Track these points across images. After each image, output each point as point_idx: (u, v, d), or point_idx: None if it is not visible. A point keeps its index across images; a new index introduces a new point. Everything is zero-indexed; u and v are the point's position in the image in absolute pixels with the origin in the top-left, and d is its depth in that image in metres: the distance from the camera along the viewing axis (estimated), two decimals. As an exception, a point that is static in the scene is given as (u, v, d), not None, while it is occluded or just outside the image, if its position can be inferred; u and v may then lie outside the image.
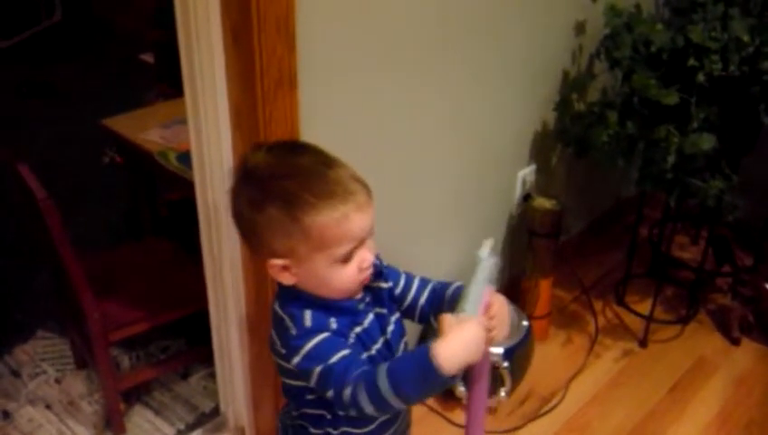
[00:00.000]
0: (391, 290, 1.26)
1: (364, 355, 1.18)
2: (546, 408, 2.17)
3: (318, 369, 1.10)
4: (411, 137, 1.88)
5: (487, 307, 1.10)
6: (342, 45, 1.61)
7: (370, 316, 1.21)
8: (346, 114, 1.70)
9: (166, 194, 2.68)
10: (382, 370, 1.06)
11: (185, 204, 2.66)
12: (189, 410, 2.19)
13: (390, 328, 1.24)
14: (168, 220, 2.66)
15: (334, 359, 1.10)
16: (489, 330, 1.09)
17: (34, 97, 4.13)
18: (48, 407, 2.18)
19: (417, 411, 2.10)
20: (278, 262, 1.12)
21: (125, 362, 2.31)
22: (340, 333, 1.14)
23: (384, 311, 1.23)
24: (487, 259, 1.13)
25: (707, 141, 1.82)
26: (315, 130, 1.62)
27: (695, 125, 1.84)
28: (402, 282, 1.27)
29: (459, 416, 2.11)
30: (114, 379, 2.06)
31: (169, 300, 2.09)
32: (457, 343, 1.03)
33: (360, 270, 1.14)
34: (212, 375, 2.23)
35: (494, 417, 2.10)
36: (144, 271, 2.19)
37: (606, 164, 2.00)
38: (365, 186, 1.12)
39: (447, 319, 1.06)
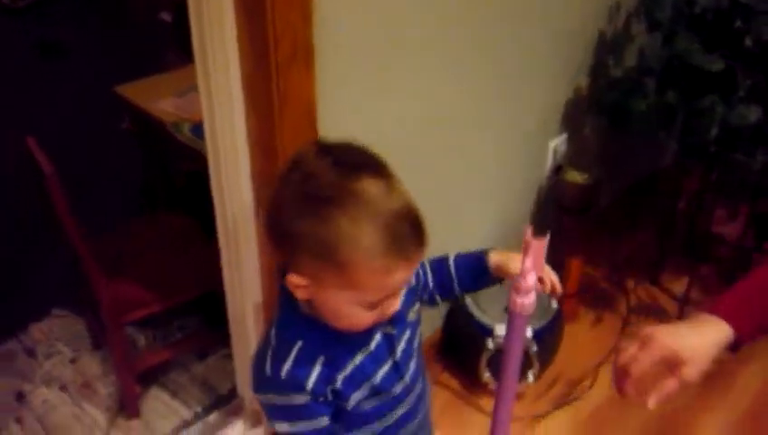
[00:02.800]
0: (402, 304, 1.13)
1: (364, 388, 1.09)
2: (575, 393, 2.08)
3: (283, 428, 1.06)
4: (436, 109, 1.77)
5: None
6: (361, 18, 1.49)
7: (377, 337, 1.10)
8: (365, 91, 1.59)
9: (183, 164, 2.59)
10: None
11: (197, 176, 2.60)
12: (207, 391, 2.13)
13: (400, 347, 1.13)
14: (185, 191, 2.58)
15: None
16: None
17: (49, 58, 4.02)
18: (62, 388, 2.14)
19: (441, 399, 2.02)
20: (299, 281, 0.99)
21: (141, 340, 2.25)
22: (318, 391, 1.04)
23: (393, 331, 1.12)
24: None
25: (754, 113, 1.69)
26: (333, 107, 1.52)
27: (740, 94, 1.70)
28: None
29: (486, 403, 2.03)
30: (128, 361, 2.00)
31: (184, 279, 2.02)
32: None
33: (382, 316, 1.03)
34: (231, 355, 2.17)
35: (521, 402, 2.01)
36: (157, 249, 2.12)
37: (643, 135, 1.88)
38: (422, 233, 0.98)
39: None
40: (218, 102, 1.57)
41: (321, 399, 1.06)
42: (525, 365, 1.99)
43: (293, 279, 0.99)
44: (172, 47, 3.25)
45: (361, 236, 0.92)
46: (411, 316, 1.17)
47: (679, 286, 2.34)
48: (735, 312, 1.05)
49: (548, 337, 2.01)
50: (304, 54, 1.45)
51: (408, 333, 1.15)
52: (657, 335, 1.03)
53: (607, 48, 2.07)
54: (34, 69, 3.92)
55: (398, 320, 1.11)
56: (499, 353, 1.97)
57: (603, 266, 2.43)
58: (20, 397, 2.10)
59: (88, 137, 3.14)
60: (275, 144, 1.52)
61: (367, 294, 0.97)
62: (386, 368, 1.11)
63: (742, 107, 1.70)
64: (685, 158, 1.91)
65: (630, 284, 2.39)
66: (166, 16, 3.69)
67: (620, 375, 1.08)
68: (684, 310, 2.26)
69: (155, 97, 2.24)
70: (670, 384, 1.03)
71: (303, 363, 1.03)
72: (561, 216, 2.12)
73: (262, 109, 1.50)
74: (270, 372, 1.05)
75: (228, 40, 1.47)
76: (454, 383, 2.09)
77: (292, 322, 1.07)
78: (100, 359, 2.22)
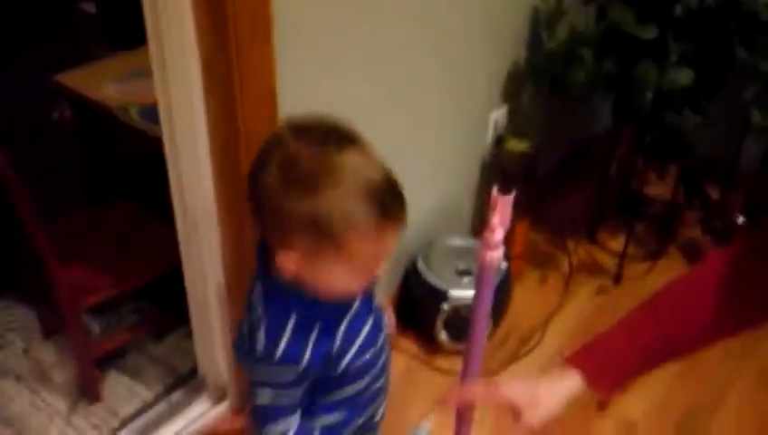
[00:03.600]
0: None
1: (353, 349, 1.14)
2: (526, 348, 2.18)
3: (264, 397, 1.12)
4: (385, 84, 1.82)
5: None
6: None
7: (359, 296, 1.15)
8: (319, 65, 1.62)
9: (129, 150, 2.56)
10: None
11: (144, 161, 2.57)
12: (166, 371, 2.14)
13: (375, 301, 1.21)
14: (128, 180, 2.55)
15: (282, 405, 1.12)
16: None
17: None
18: (18, 378, 2.11)
19: (401, 365, 2.09)
20: (292, 258, 1.01)
21: (96, 328, 2.23)
22: (316, 357, 1.09)
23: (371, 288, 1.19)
24: None
25: (685, 76, 1.80)
26: (290, 82, 1.55)
27: (672, 59, 1.81)
28: None
29: (443, 363, 2.12)
30: (87, 346, 1.99)
31: (139, 262, 2.01)
32: None
33: (373, 280, 1.08)
34: (187, 335, 2.17)
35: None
36: (109, 234, 2.10)
37: (582, 102, 1.97)
38: (402, 193, 1.03)
39: None
40: (175, 84, 1.57)
41: (310, 374, 1.10)
42: (479, 326, 2.08)
43: (285, 257, 1.01)
44: (97, 38, 3.19)
45: (353, 207, 0.96)
46: None
47: (616, 244, 2.47)
48: (589, 366, 1.08)
49: (498, 297, 2.10)
50: (263, 32, 1.47)
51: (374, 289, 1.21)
52: (499, 384, 1.13)
53: (543, 22, 2.15)
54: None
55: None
56: (455, 315, 2.07)
57: (545, 229, 2.54)
58: (-27, 391, 2.07)
59: (19, 129, 3.05)
60: (237, 124, 1.53)
61: (362, 261, 1.01)
62: (369, 323, 1.17)
63: (673, 71, 1.81)
64: (619, 122, 2.01)
65: (571, 244, 2.52)
66: (87, 7, 3.61)
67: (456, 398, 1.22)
68: (623, 265, 2.39)
69: (96, 84, 2.21)
70: (519, 429, 1.08)
71: (299, 339, 1.07)
72: (504, 183, 2.20)
73: (222, 89, 1.51)
74: (263, 348, 1.07)
75: (185, 20, 1.46)
76: (411, 346, 2.17)
77: (281, 296, 1.09)
78: (54, 347, 2.20)
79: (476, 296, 1.35)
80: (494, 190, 1.21)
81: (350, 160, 0.98)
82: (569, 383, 1.07)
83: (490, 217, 1.23)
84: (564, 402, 1.06)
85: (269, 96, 1.55)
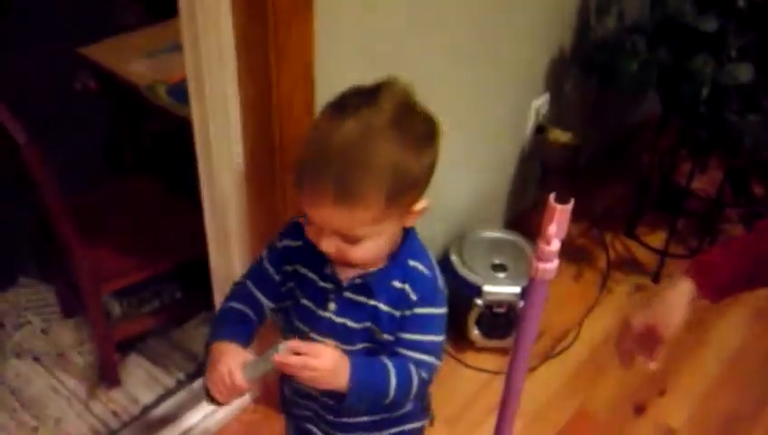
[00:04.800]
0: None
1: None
2: (561, 347, 2.10)
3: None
4: (423, 72, 1.72)
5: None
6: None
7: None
8: (359, 44, 1.54)
9: (148, 125, 2.49)
10: None
11: (170, 136, 2.49)
12: (188, 358, 2.08)
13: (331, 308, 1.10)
14: (152, 153, 2.48)
15: None
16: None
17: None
18: (36, 359, 2.05)
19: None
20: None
21: (116, 309, 2.16)
22: None
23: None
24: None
25: (745, 72, 1.70)
26: (330, 61, 1.47)
27: (732, 54, 1.71)
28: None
29: (474, 359, 2.05)
30: (108, 330, 1.93)
31: (163, 246, 1.95)
32: None
33: (317, 244, 1.03)
34: (210, 321, 2.12)
35: (507, 357, 2.02)
36: (133, 213, 2.03)
37: (634, 94, 1.88)
38: (326, 170, 0.95)
39: None
40: (207, 61, 1.49)
41: None
42: (513, 323, 2.00)
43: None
44: (130, 5, 3.11)
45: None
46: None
47: (654, 240, 2.38)
48: (704, 273, 1.18)
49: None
50: (304, 7, 1.39)
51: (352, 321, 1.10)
52: (628, 324, 1.23)
53: (590, 8, 2.04)
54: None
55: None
56: (488, 311, 1.99)
57: (582, 222, 2.44)
58: (-10, 370, 2.02)
59: (40, 98, 2.98)
60: (271, 104, 1.46)
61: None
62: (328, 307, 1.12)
63: (732, 66, 1.71)
64: (669, 115, 1.91)
65: (608, 238, 2.42)
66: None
67: (623, 353, 1.30)
68: (663, 262, 2.29)
69: (124, 58, 2.13)
70: (658, 347, 1.21)
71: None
72: (544, 174, 2.12)
73: (257, 67, 1.44)
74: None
75: (220, -8, 1.39)
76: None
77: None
78: (73, 327, 2.14)
79: (525, 310, 1.27)
80: (552, 198, 1.12)
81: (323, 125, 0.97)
82: (684, 287, 1.17)
83: (545, 226, 1.15)
84: (688, 307, 1.16)
85: (306, 75, 1.48)
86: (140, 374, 2.03)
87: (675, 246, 2.36)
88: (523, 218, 2.28)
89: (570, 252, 2.36)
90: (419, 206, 1.02)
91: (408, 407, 1.22)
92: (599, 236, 2.41)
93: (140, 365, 2.05)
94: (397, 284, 1.06)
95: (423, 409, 1.30)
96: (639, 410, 1.96)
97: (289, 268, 1.13)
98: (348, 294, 1.08)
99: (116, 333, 1.97)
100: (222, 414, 1.89)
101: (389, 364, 1.06)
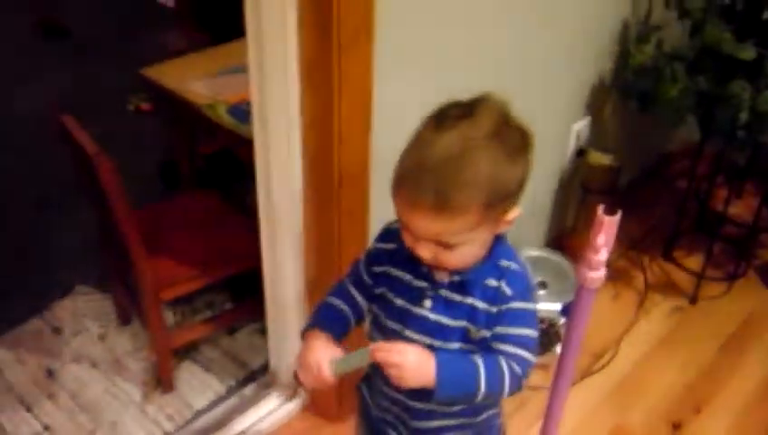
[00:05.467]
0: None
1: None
2: (598, 365, 2.15)
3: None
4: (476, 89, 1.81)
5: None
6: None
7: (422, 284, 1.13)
8: (414, 68, 1.63)
9: (200, 147, 2.60)
10: None
11: (222, 157, 2.61)
12: (238, 366, 2.16)
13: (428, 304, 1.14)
14: (205, 173, 2.59)
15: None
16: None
17: (50, 39, 3.93)
18: (93, 365, 2.15)
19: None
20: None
21: (170, 318, 2.27)
22: None
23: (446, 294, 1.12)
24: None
25: (783, 97, 1.76)
26: (387, 85, 1.55)
27: (768, 81, 1.78)
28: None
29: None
30: (166, 337, 2.02)
31: (219, 257, 2.04)
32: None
33: (412, 249, 1.08)
34: (259, 331, 2.21)
35: (548, 372, 2.08)
36: (191, 226, 2.13)
37: (673, 120, 1.94)
38: (428, 186, 1.00)
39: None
40: (272, 82, 1.58)
41: None
42: (553, 339, 2.06)
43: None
44: (179, 30, 3.25)
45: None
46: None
47: (692, 263, 2.43)
48: None
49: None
50: (366, 34, 1.48)
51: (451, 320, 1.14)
52: None
53: (635, 36, 2.12)
54: (36, 50, 3.84)
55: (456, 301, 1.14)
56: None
57: (620, 244, 2.50)
58: (50, 374, 2.11)
59: (96, 117, 3.11)
60: (332, 126, 1.54)
61: (402, 223, 1.09)
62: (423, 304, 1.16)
63: (769, 92, 1.77)
64: (706, 141, 1.97)
65: (645, 260, 2.48)
66: (167, 1, 3.67)
67: None
68: (700, 284, 2.34)
69: (184, 78, 2.23)
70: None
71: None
72: (585, 196, 2.18)
73: (320, 90, 1.52)
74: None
75: (288, 19, 1.47)
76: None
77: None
78: (129, 335, 2.24)
79: (572, 316, 1.34)
80: (600, 210, 1.20)
81: (424, 136, 1.03)
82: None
83: (594, 236, 1.22)
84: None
85: (365, 99, 1.56)
86: (193, 381, 2.11)
87: (711, 270, 2.41)
88: (564, 238, 2.35)
89: (608, 273, 2.40)
90: (512, 214, 1.06)
91: (483, 417, 1.25)
92: (637, 258, 2.47)
93: (193, 372, 2.13)
94: (492, 282, 1.10)
95: (500, 424, 1.33)
96: (676, 427, 2.00)
97: (379, 269, 1.18)
98: (444, 292, 1.11)
99: (172, 341, 2.06)
100: (272, 421, 1.97)
101: (478, 359, 1.08)
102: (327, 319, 1.19)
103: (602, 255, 1.24)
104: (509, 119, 1.04)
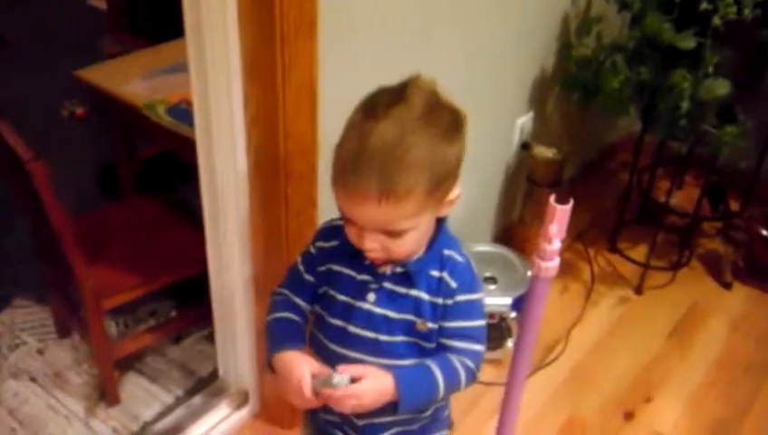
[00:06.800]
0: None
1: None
2: (550, 357, 2.16)
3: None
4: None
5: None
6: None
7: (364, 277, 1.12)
8: (360, 60, 1.60)
9: (139, 151, 2.53)
10: None
11: (162, 159, 2.54)
12: (185, 375, 2.09)
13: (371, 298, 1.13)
14: (145, 178, 2.52)
15: None
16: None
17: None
18: (33, 379, 2.06)
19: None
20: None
21: (112, 328, 2.19)
22: None
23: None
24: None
25: (723, 87, 1.80)
26: (330, 76, 1.53)
27: (709, 70, 1.81)
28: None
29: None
30: (108, 348, 1.94)
31: (163, 263, 1.97)
32: None
33: (356, 243, 1.08)
34: (206, 338, 2.15)
35: (500, 367, 2.08)
36: (133, 232, 2.06)
37: (615, 111, 1.96)
38: (363, 169, 0.99)
39: None
40: (213, 78, 1.54)
41: None
42: (505, 333, 2.06)
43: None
44: (111, 33, 3.17)
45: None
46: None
47: (637, 253, 2.47)
48: None
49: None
50: (309, 26, 1.45)
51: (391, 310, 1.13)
52: None
53: (576, 29, 2.14)
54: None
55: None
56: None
57: (566, 236, 2.51)
58: (-13, 391, 2.02)
59: (33, 125, 3.01)
60: (277, 120, 1.51)
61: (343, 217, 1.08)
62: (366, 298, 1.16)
63: (710, 81, 1.81)
64: (655, 133, 2.00)
65: (592, 252, 2.50)
66: (97, 2, 3.57)
67: None
68: (645, 274, 2.37)
69: (120, 80, 2.16)
70: None
71: None
72: (532, 189, 2.19)
73: (264, 83, 1.49)
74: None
75: (228, 12, 1.44)
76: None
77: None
78: (69, 347, 2.15)
79: (527, 307, 1.34)
80: (552, 200, 1.19)
81: (358, 127, 1.02)
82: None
83: (546, 226, 1.21)
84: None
85: (310, 93, 1.53)
86: (138, 392, 2.04)
87: (656, 260, 2.44)
88: (511, 231, 2.35)
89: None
90: (453, 194, 1.06)
91: (429, 413, 1.25)
92: (582, 250, 2.49)
93: (139, 383, 2.06)
94: (434, 272, 1.10)
95: (446, 416, 1.32)
96: (629, 416, 2.02)
97: (322, 268, 1.17)
98: (388, 285, 1.11)
99: (115, 352, 1.98)
100: (223, 429, 1.91)
101: (432, 364, 1.09)
102: (288, 336, 1.16)
103: (555, 244, 1.24)
104: (439, 98, 1.04)
